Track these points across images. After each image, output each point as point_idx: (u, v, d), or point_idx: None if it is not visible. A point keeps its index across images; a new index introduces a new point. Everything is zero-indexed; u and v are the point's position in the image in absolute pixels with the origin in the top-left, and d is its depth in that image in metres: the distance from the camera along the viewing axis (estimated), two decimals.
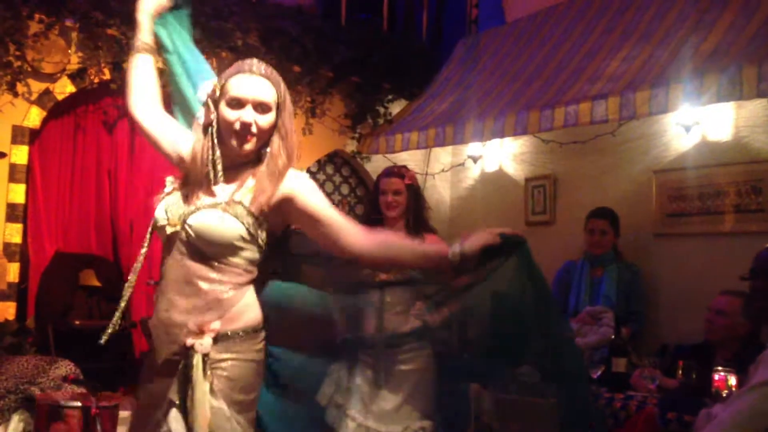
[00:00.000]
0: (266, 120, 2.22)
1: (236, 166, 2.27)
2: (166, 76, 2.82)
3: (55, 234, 5.58)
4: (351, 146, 6.63)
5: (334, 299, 3.85)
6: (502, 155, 6.43)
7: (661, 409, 3.61)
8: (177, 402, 2.17)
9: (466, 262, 2.26)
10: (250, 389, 2.24)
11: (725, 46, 4.32)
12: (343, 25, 6.65)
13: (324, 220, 2.26)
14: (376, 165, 6.57)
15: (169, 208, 2.24)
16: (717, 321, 4.01)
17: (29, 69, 5.11)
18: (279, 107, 2.25)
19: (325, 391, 3.75)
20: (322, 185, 6.65)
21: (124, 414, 3.99)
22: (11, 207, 5.16)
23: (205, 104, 2.27)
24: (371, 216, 3.99)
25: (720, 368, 3.56)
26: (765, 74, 3.95)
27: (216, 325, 2.17)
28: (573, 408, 2.50)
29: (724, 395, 3.45)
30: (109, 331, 2.27)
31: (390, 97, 6.70)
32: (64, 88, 5.34)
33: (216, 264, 2.19)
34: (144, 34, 2.58)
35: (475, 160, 6.55)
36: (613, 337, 4.38)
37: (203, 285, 2.18)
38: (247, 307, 2.25)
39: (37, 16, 5.07)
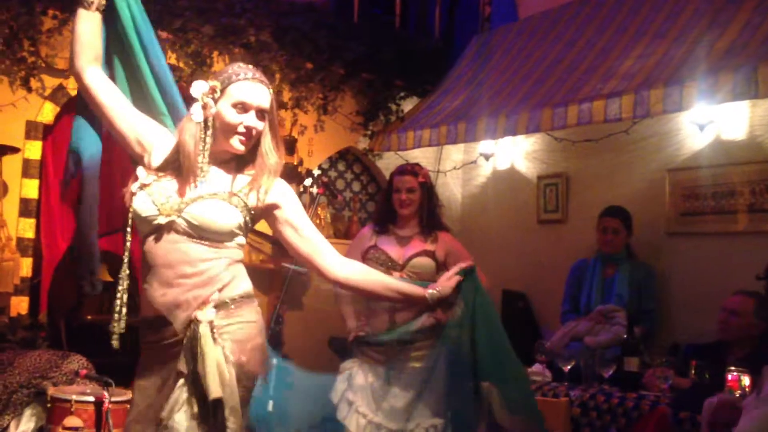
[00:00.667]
0: (263, 125, 2.38)
1: (219, 162, 2.39)
2: (113, 47, 2.66)
3: (68, 229, 5.59)
4: (363, 143, 6.62)
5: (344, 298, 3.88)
6: (514, 153, 6.41)
7: (674, 408, 3.60)
8: (185, 372, 2.24)
9: (442, 302, 2.54)
10: (258, 350, 2.35)
11: (740, 45, 4.29)
12: (355, 22, 6.64)
13: (306, 235, 2.42)
14: (387, 162, 6.56)
15: (155, 198, 2.29)
16: (730, 321, 4.00)
17: (43, 65, 5.14)
18: (271, 111, 2.40)
19: (337, 388, 3.76)
20: (333, 182, 6.66)
21: None
22: (24, 202, 5.18)
23: (202, 102, 2.32)
24: (384, 214, 3.99)
25: (733, 368, 3.55)
26: None
27: (215, 296, 2.28)
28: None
29: (738, 395, 3.44)
30: (115, 332, 2.33)
31: (402, 94, 6.69)
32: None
33: (211, 246, 2.30)
34: None
35: (487, 157, 6.53)
36: (625, 336, 4.37)
37: (201, 264, 2.28)
38: (240, 278, 2.37)
39: (50, 12, 5.08)
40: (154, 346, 2.33)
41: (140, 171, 2.36)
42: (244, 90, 2.33)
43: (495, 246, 6.29)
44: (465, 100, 6.04)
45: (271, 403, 2.66)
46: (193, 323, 2.25)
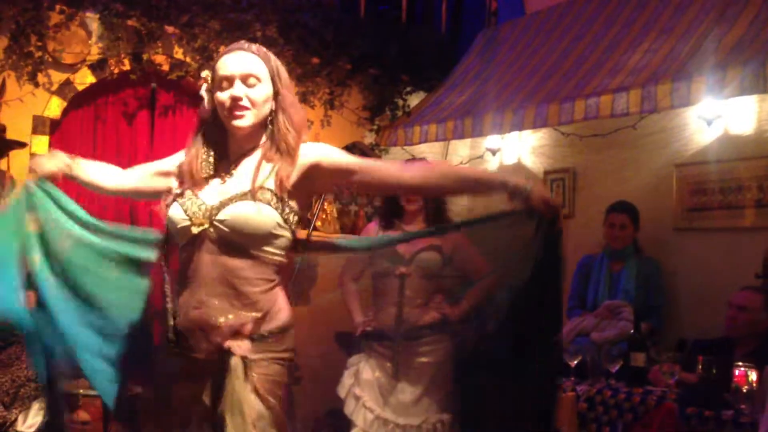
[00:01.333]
0: (258, 93, 2.19)
1: (245, 152, 2.25)
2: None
3: None
4: (369, 138, 6.61)
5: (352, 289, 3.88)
6: (521, 148, 6.39)
7: (681, 404, 3.60)
8: (208, 405, 2.16)
9: (522, 197, 2.33)
10: (283, 387, 2.22)
11: (748, 39, 4.27)
12: (361, 17, 6.63)
13: (361, 168, 2.26)
14: (394, 157, 6.54)
15: (186, 208, 2.20)
16: (738, 317, 3.99)
17: (50, 59, 5.15)
18: (273, 81, 2.22)
19: (344, 383, 3.77)
20: None
21: None
22: None
23: (204, 98, 2.27)
24: (390, 209, 3.99)
25: (740, 363, 3.55)
26: None
27: (252, 327, 2.15)
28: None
29: (744, 391, 3.44)
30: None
31: (408, 89, 6.68)
32: (84, 79, 5.37)
33: (251, 258, 2.16)
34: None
35: (493, 152, 6.51)
36: (632, 331, 4.35)
37: (238, 284, 2.14)
38: (280, 306, 2.24)
39: (57, 6, 5.10)
40: (185, 354, 2.24)
41: (173, 182, 2.31)
42: (224, 64, 2.20)
43: None
44: (471, 95, 6.03)
45: None
46: (225, 353, 2.12)
